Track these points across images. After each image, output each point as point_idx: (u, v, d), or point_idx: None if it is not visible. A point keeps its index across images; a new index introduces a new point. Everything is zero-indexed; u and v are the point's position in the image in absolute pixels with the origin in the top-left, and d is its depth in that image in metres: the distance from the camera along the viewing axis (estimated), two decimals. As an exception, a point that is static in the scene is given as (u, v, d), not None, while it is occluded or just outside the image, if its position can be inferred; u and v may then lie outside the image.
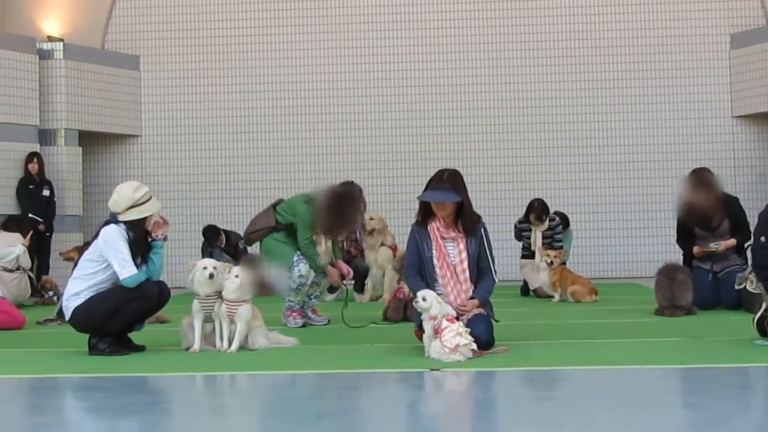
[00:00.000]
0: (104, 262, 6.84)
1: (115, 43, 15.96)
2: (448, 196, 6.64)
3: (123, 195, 6.91)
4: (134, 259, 6.82)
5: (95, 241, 6.93)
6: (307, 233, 8.61)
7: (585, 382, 5.59)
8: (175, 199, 15.63)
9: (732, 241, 9.47)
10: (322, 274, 8.81)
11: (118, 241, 6.78)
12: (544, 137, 15.69)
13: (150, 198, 6.96)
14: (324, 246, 8.86)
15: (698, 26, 15.64)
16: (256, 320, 7.08)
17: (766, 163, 15.33)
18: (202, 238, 14.65)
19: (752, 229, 9.04)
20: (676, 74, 15.61)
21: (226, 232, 14.47)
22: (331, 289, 11.35)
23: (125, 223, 6.88)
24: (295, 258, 8.62)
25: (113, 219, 6.93)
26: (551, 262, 11.07)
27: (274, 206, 8.91)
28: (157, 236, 6.99)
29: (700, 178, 9.45)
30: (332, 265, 8.89)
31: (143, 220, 6.92)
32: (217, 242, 14.31)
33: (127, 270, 6.76)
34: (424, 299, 6.38)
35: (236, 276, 6.98)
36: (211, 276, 6.96)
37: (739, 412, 4.57)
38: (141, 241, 6.90)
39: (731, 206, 9.50)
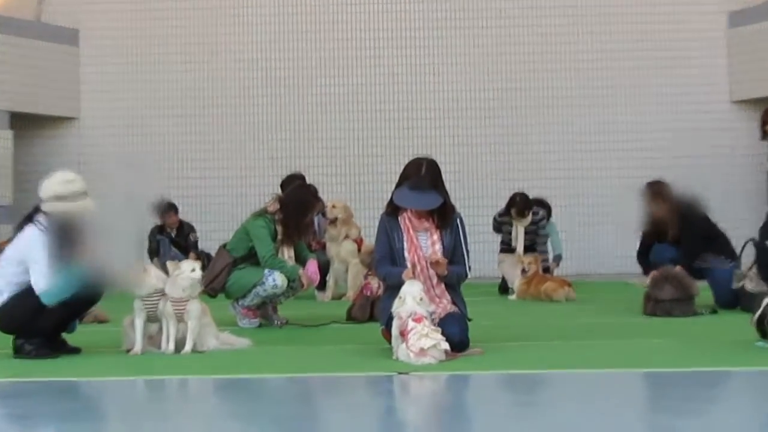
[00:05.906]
0: (27, 268, 6.71)
1: (52, 15, 15.78)
2: (430, 200, 6.59)
3: (49, 183, 6.86)
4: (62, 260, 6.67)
5: (17, 242, 6.80)
6: (267, 246, 8.60)
7: (567, 387, 5.56)
8: (118, 189, 15.48)
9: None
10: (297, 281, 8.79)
11: (37, 250, 6.65)
12: (525, 122, 15.67)
13: (80, 197, 6.80)
14: (287, 255, 8.83)
15: (693, 2, 15.66)
16: (205, 317, 7.04)
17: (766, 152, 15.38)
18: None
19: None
20: (670, 54, 15.61)
21: (180, 221, 14.33)
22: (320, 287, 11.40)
23: (46, 215, 6.75)
24: (266, 272, 8.60)
25: (37, 209, 6.83)
26: (524, 270, 11.33)
27: (223, 247, 8.91)
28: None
29: (653, 190, 9.86)
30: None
31: (71, 219, 6.76)
32: (170, 220, 14.07)
33: (42, 283, 6.62)
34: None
35: (191, 271, 6.94)
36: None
37: (740, 419, 4.55)
38: (60, 243, 6.70)
39: (685, 217, 9.62)
